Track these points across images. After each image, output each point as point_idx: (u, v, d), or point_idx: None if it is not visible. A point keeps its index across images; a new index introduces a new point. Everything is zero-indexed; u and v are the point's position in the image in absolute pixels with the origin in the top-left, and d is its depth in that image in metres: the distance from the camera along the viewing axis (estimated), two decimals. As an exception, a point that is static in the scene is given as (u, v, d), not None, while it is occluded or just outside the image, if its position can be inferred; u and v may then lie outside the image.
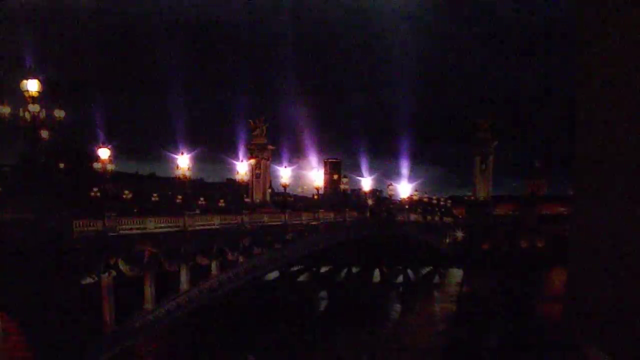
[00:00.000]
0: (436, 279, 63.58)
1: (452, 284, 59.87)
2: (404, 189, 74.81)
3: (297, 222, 36.89)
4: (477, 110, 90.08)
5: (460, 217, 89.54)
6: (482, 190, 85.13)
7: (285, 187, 42.67)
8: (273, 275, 50.91)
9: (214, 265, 27.03)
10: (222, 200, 79.47)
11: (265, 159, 67.10)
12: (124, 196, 73.47)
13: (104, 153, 27.44)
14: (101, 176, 28.57)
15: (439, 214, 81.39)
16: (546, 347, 29.36)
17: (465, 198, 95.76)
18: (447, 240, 73.39)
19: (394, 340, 35.31)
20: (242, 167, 44.05)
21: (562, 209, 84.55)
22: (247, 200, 62.55)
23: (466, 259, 68.55)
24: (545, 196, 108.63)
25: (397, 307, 48.53)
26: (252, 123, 67.73)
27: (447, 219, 78.83)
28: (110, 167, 29.07)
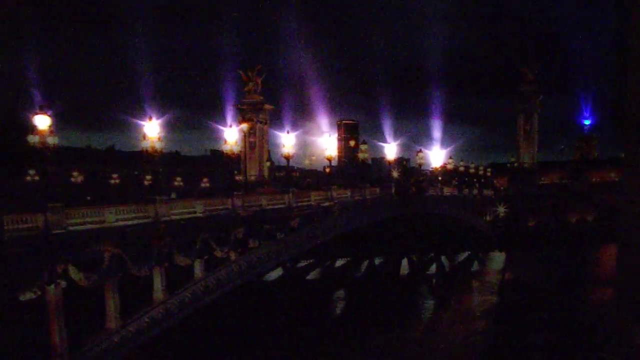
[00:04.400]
0: (475, 267, 64.88)
1: (493, 271, 61.27)
2: (436, 156, 73.96)
3: (304, 203, 35.97)
4: (522, 57, 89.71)
5: (502, 188, 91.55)
6: (527, 155, 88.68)
7: (288, 158, 40.96)
8: (275, 273, 50.60)
9: (197, 265, 26.02)
10: (205, 180, 78.10)
11: (261, 122, 64.98)
12: (73, 179, 71.32)
13: (41, 121, 25.40)
14: (39, 153, 26.61)
15: (477, 185, 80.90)
16: (597, 343, 31.76)
17: (508, 165, 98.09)
18: (488, 218, 74.15)
19: (426, 343, 36.15)
20: (231, 135, 42.29)
21: (614, 175, 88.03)
22: (238, 178, 60.91)
23: (509, 240, 70.38)
24: (597, 160, 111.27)
25: (430, 303, 49.51)
26: (243, 75, 65.16)
27: (488, 192, 78.80)
28: (52, 140, 27.09)
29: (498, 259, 67.25)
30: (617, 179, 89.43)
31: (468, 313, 43.72)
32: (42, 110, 26.04)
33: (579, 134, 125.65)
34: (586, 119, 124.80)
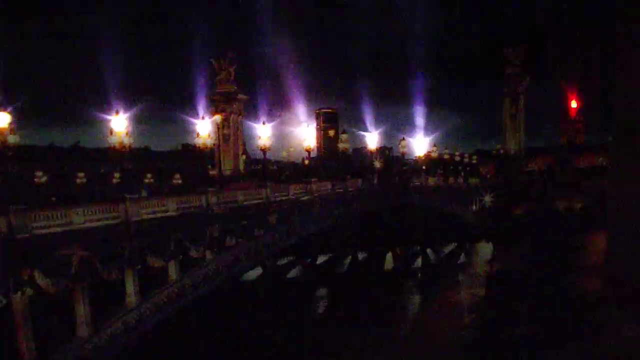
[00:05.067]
0: (462, 259, 65.93)
1: (481, 262, 62.48)
2: (419, 144, 74.85)
3: (283, 198, 36.07)
4: (507, 39, 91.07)
5: (488, 176, 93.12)
6: (513, 141, 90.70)
7: (264, 151, 41.15)
8: (254, 272, 50.60)
9: (172, 266, 25.98)
10: (177, 176, 77.34)
11: (235, 113, 64.37)
12: (37, 179, 69.99)
13: (1, 119, 25.00)
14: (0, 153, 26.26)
15: (462, 174, 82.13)
16: (584, 334, 33.52)
17: (494, 152, 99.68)
18: (474, 208, 75.24)
19: (412, 339, 36.72)
20: (204, 127, 42.45)
21: (602, 160, 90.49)
22: (212, 173, 60.76)
23: (496, 230, 71.67)
24: (584, 145, 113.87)
25: (416, 298, 50.18)
26: (215, 64, 64.33)
27: (473, 180, 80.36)
28: (13, 139, 26.70)
29: (486, 249, 68.39)
30: (604, 164, 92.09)
31: (455, 307, 44.23)
32: (1, 106, 25.63)
33: (565, 119, 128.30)
34: (573, 102, 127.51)
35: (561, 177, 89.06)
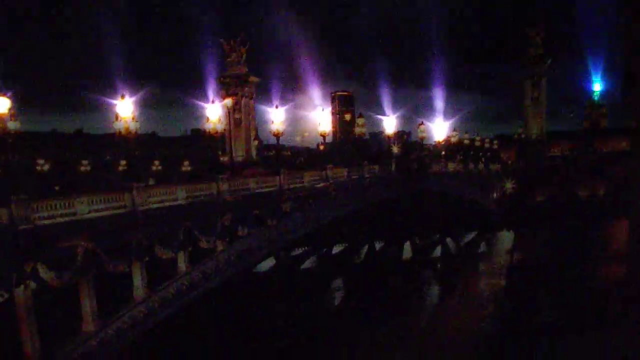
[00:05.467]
0: (482, 248, 65.94)
1: (502, 251, 62.42)
2: (438, 128, 74.02)
3: (297, 185, 35.62)
4: (528, 19, 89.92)
5: (509, 162, 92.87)
6: (535, 125, 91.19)
7: (278, 136, 40.53)
8: (267, 263, 50.66)
9: (181, 258, 25.66)
10: (187, 163, 77.21)
11: (247, 97, 63.95)
12: (38, 168, 70.13)
13: (1, 104, 24.68)
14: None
15: (483, 160, 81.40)
16: (606, 323, 34.28)
17: (515, 137, 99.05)
18: (495, 195, 74.21)
19: (431, 331, 37.01)
20: (214, 111, 41.98)
21: (625, 144, 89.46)
22: (223, 159, 60.35)
23: (517, 217, 71.56)
24: (607, 129, 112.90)
25: (435, 289, 50.39)
26: (225, 45, 63.81)
27: (494, 166, 79.54)
28: (13, 125, 26.40)
29: (507, 238, 68.28)
30: (628, 149, 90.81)
31: (475, 298, 44.57)
32: (1, 91, 25.30)
33: (588, 101, 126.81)
34: (596, 84, 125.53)
35: (583, 163, 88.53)
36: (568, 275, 47.47)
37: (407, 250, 62.91)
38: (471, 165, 71.06)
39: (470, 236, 69.18)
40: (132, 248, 22.81)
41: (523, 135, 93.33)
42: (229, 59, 63.87)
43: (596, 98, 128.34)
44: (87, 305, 20.93)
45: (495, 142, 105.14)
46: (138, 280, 23.24)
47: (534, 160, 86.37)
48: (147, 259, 23.69)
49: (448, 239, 66.41)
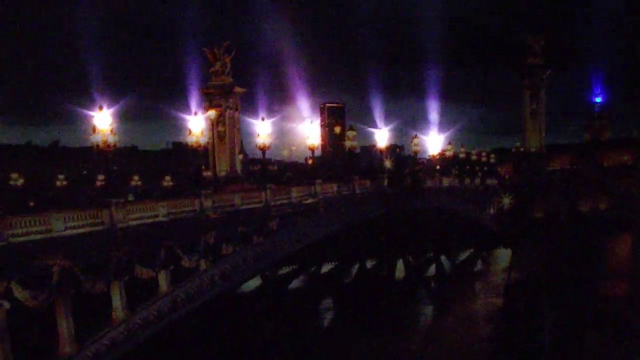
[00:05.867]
0: (478, 266, 67.09)
1: (499, 270, 63.54)
2: (433, 141, 74.89)
3: (284, 201, 36.12)
4: (527, 27, 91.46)
5: (507, 177, 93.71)
6: (534, 138, 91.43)
7: (264, 149, 40.96)
8: (253, 283, 50.78)
9: (162, 277, 25.89)
10: (168, 177, 77.49)
11: (231, 108, 64.29)
12: (12, 182, 69.84)
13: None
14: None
15: (480, 174, 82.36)
16: (610, 343, 34.89)
17: (513, 150, 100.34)
18: (492, 211, 75.16)
19: (425, 353, 37.62)
20: (197, 124, 42.33)
21: (628, 158, 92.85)
22: (206, 174, 60.56)
23: (515, 234, 72.15)
24: (609, 141, 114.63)
25: (429, 309, 50.81)
26: (208, 54, 64.29)
27: (491, 181, 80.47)
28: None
29: (503, 256, 69.13)
30: (631, 163, 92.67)
31: (471, 318, 44.99)
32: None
33: (589, 113, 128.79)
34: (597, 96, 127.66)
35: (585, 177, 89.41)
36: (568, 294, 47.94)
37: (400, 268, 63.37)
38: (467, 180, 71.91)
39: (466, 254, 69.90)
40: (110, 267, 23.04)
41: (521, 149, 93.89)
42: (212, 69, 64.12)
43: (597, 110, 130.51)
44: (64, 326, 21.03)
45: (492, 156, 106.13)
46: (117, 301, 23.38)
47: (533, 174, 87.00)
48: (126, 278, 23.91)
49: (443, 257, 67.05)
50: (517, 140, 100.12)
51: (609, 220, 76.20)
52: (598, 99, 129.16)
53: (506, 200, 77.09)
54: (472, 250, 70.26)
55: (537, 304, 45.85)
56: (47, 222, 21.26)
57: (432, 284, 59.98)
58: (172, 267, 26.35)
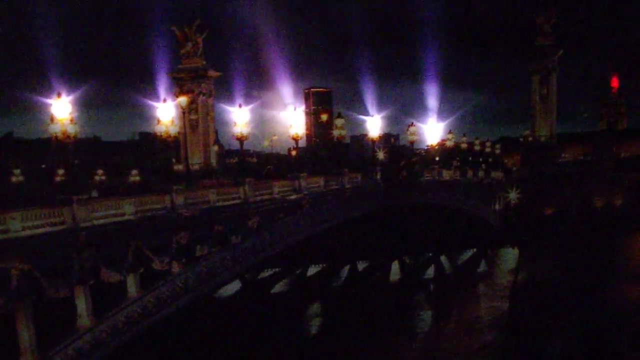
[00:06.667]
0: (482, 267, 67.35)
1: (504, 271, 64.11)
2: (432, 130, 75.59)
3: (265, 197, 36.57)
4: (537, 3, 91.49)
5: (514, 169, 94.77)
6: (544, 126, 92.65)
7: (242, 140, 41.47)
8: (232, 287, 51.26)
9: (131, 281, 26.32)
10: (135, 172, 77.79)
11: (204, 94, 64.74)
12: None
13: None
14: None
15: (483, 167, 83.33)
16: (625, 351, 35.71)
17: (521, 140, 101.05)
18: (497, 207, 76.43)
19: None
20: (166, 112, 42.67)
21: None
22: (178, 168, 61.00)
23: (522, 232, 73.29)
24: (627, 131, 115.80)
25: (427, 315, 51.10)
26: (178, 33, 64.59)
27: (497, 174, 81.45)
28: None
29: (510, 255, 69.88)
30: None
31: (474, 324, 45.34)
32: None
33: (605, 99, 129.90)
34: (614, 79, 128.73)
35: (599, 169, 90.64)
36: (580, 298, 48.66)
37: (395, 271, 63.97)
38: (470, 173, 72.71)
39: (468, 254, 70.58)
40: (74, 270, 23.35)
41: (530, 138, 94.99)
42: (183, 50, 64.38)
43: (614, 95, 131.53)
44: (25, 335, 21.35)
45: (498, 146, 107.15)
46: (82, 307, 23.73)
47: (543, 166, 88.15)
48: (92, 282, 24.28)
49: (442, 257, 67.83)
50: (525, 128, 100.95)
51: (625, 218, 77.86)
52: (614, 84, 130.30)
53: (513, 196, 77.99)
54: (474, 250, 70.96)
55: (546, 309, 46.62)
56: (3, 222, 21.54)
57: (431, 287, 60.36)
58: (141, 270, 26.75)
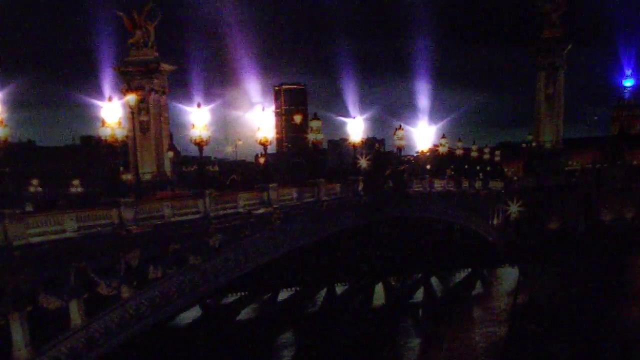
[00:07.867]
0: (477, 289, 68.96)
1: (502, 293, 65.87)
2: (422, 134, 75.85)
3: (228, 211, 36.85)
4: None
5: (515, 178, 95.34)
6: (549, 130, 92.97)
7: (201, 145, 41.71)
8: (191, 314, 51.59)
9: (74, 308, 26.49)
10: (76, 182, 77.65)
11: (157, 91, 64.98)
12: None
13: None
14: None
15: (481, 176, 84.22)
16: None
17: (524, 146, 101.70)
18: (495, 221, 77.53)
19: None
20: (112, 112, 42.69)
21: None
22: (126, 177, 61.13)
23: (524, 250, 74.37)
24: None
25: (416, 343, 51.82)
26: (125, 19, 64.69)
27: (496, 184, 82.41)
28: None
29: (509, 276, 71.14)
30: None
31: (467, 352, 46.25)
32: None
33: (617, 100, 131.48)
34: (627, 78, 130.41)
35: (609, 179, 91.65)
36: (586, 322, 49.94)
37: (379, 294, 64.71)
38: (465, 183, 73.58)
39: (462, 274, 71.75)
40: (7, 295, 23.52)
41: (533, 144, 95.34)
42: (131, 40, 64.42)
43: (627, 95, 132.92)
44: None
45: (497, 152, 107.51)
46: (19, 337, 23.89)
47: (548, 176, 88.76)
48: (29, 309, 24.41)
49: (433, 279, 68.71)
50: (528, 133, 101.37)
51: (637, 233, 79.16)
52: (628, 82, 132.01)
53: (513, 208, 78.79)
54: (469, 270, 71.98)
55: (548, 335, 47.66)
56: None
57: (420, 313, 60.87)
58: (86, 294, 26.88)
